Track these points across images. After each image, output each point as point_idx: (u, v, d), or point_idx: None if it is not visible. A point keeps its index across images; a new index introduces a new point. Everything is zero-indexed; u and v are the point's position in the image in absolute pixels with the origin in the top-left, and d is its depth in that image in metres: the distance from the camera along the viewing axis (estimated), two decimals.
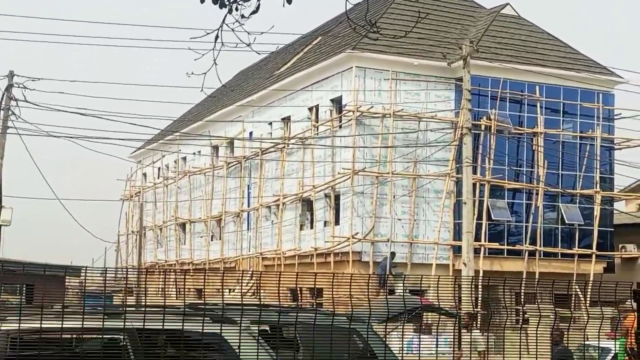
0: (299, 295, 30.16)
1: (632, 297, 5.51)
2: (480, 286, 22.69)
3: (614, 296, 6.78)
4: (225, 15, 6.30)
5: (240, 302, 8.06)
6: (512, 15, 35.41)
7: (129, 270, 44.03)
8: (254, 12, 6.26)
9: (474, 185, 29.20)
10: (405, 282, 9.12)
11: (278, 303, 8.16)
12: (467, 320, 15.75)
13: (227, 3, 6.31)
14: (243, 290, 31.36)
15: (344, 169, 31.13)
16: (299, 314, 8.36)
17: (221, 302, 9.26)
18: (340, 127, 32.58)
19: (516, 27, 34.95)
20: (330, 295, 8.48)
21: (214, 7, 6.29)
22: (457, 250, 30.48)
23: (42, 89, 25.73)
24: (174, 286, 30.49)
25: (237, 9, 6.30)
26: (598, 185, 33.38)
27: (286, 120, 36.26)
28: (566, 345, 14.87)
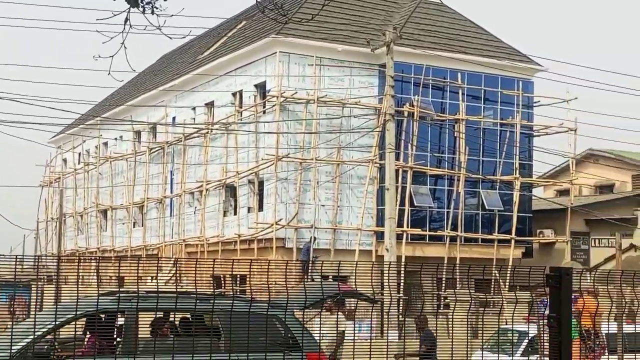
0: (223, 282, 30.11)
1: (544, 281, 5.59)
2: (402, 272, 22.89)
3: (528, 281, 6.89)
4: (131, 4, 6.14)
5: (156, 290, 7.94)
6: (435, 3, 35.76)
7: (48, 257, 43.27)
8: (152, 10, 6.12)
9: (397, 171, 29.43)
10: (324, 268, 9.10)
11: (195, 291, 8.07)
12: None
13: (140, 2, 6.16)
14: (165, 278, 31.14)
15: (267, 155, 31.04)
16: (218, 302, 8.29)
17: (143, 290, 9.12)
18: (264, 112, 32.45)
19: (439, 15, 35.30)
20: (255, 283, 8.43)
21: None
22: (380, 236, 30.71)
23: None
24: (95, 274, 30.08)
25: (148, 9, 6.15)
26: (517, 171, 34.00)
27: (209, 105, 35.96)
28: (430, 330, 15.20)
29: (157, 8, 6.17)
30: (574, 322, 11.91)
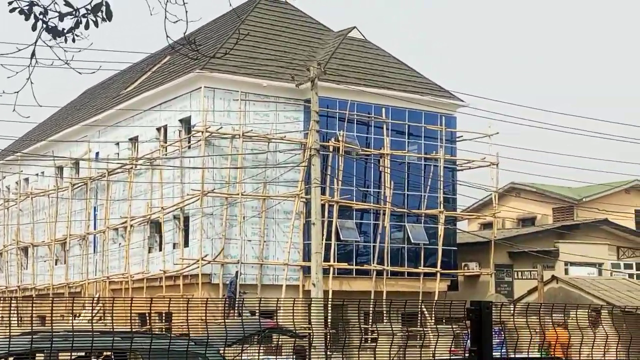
0: (148, 320, 29.57)
1: (465, 315, 5.63)
2: (329, 306, 22.88)
3: (449, 314, 6.95)
4: (40, 32, 6.06)
5: (72, 329, 7.76)
6: (359, 39, 36.16)
7: None
8: (71, 30, 6.06)
9: (323, 205, 29.51)
10: (249, 304, 9.03)
11: (112, 329, 7.90)
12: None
13: (62, 33, 6.07)
14: (88, 316, 30.47)
15: (193, 190, 30.80)
16: (138, 340, 8.13)
17: (63, 329, 8.90)
18: (189, 147, 32.26)
19: (363, 51, 35.71)
20: (179, 320, 8.30)
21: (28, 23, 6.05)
22: (307, 270, 30.66)
23: None
24: (16, 313, 29.29)
25: (70, 38, 6.07)
26: (442, 205, 34.42)
27: (134, 140, 35.59)
28: None
29: (78, 36, 6.08)
30: (544, 353, 12.03)
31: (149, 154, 33.86)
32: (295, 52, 34.52)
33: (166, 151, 33.51)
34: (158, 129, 33.95)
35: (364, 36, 36.43)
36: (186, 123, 32.53)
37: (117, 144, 36.49)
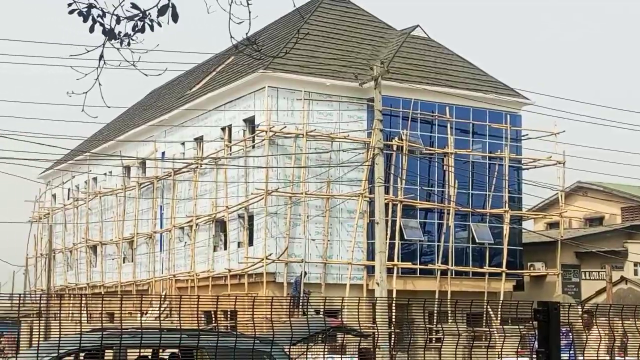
0: (213, 318, 29.92)
1: (532, 316, 5.57)
2: (394, 306, 22.82)
3: (516, 314, 6.88)
4: (106, 39, 6.14)
5: (141, 327, 7.90)
6: (422, 37, 35.97)
7: (37, 295, 42.97)
8: (138, 31, 6.12)
9: (387, 205, 29.42)
10: (314, 302, 9.06)
11: (180, 327, 8.02)
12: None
13: (117, 36, 6.15)
14: (155, 314, 30.90)
15: (257, 189, 31.01)
16: (205, 338, 8.23)
17: (131, 326, 9.06)
18: (254, 147, 32.48)
19: (426, 49, 35.51)
20: (244, 318, 8.38)
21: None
22: (370, 270, 30.63)
23: None
24: (85, 310, 29.86)
25: (125, 41, 6.15)
26: (507, 204, 34.04)
27: (199, 140, 35.98)
28: None
29: (133, 40, 6.15)
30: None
31: (214, 154, 34.20)
32: (359, 51, 34.49)
33: (231, 151, 33.80)
34: (223, 129, 34.26)
35: (427, 34, 36.25)
36: (250, 123, 32.76)
37: (183, 143, 36.94)
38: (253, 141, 32.47)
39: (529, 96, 35.08)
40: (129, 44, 6.10)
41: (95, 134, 48.29)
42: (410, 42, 35.37)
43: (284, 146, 31.47)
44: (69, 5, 6.10)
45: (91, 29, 6.09)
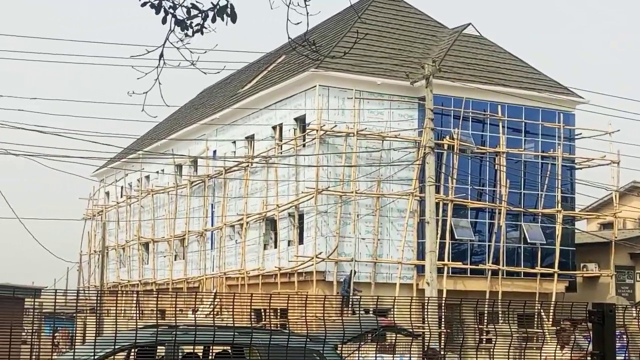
0: (263, 316, 30.08)
1: (586, 318, 5.50)
2: (444, 305, 22.72)
3: (569, 316, 6.80)
4: (169, 33, 6.29)
5: (194, 324, 7.97)
6: (474, 35, 35.72)
7: (91, 291, 43.62)
8: (197, 31, 6.26)
9: (437, 204, 29.28)
10: (363, 302, 9.05)
11: (233, 324, 8.07)
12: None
13: (190, 26, 6.29)
14: (206, 311, 31.19)
15: (307, 188, 31.08)
16: (257, 335, 8.28)
17: (183, 323, 9.15)
18: (304, 146, 32.56)
19: (478, 47, 35.26)
20: (295, 316, 8.42)
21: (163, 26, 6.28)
22: (420, 269, 30.52)
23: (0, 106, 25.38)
24: (138, 307, 30.28)
25: (186, 27, 6.29)
26: (559, 204, 33.65)
27: (250, 139, 36.18)
28: None
29: (205, 28, 6.31)
30: None
31: (265, 152, 34.36)
32: (410, 49, 34.37)
33: (281, 149, 33.93)
34: (273, 128, 34.41)
35: (479, 32, 35.98)
36: (301, 121, 32.85)
37: (234, 142, 37.19)
38: (304, 140, 32.55)
39: (583, 95, 34.66)
40: (202, 32, 6.27)
41: (148, 132, 48.85)
42: (462, 40, 35.15)
43: (335, 145, 31.50)
44: None
45: (163, 20, 6.28)
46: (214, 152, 38.83)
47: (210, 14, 6.13)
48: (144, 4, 6.28)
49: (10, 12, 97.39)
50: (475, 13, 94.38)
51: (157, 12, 6.25)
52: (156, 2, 6.28)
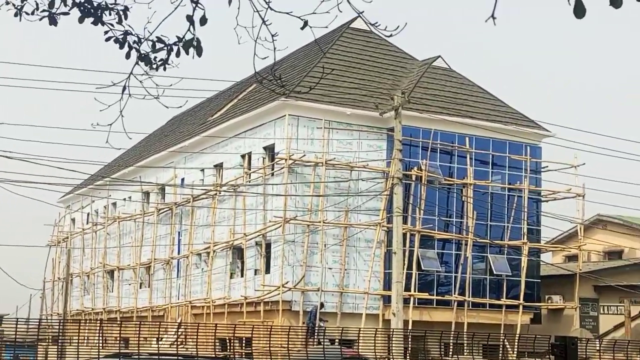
0: (228, 345, 29.82)
1: (549, 350, 5.55)
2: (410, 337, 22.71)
3: (533, 348, 6.85)
4: (133, 67, 6.31)
5: (158, 353, 7.90)
6: (443, 68, 36.06)
7: (53, 319, 43.02)
8: (161, 66, 6.29)
9: (405, 235, 29.35)
10: (329, 332, 9.05)
11: (197, 354, 8.02)
12: None
13: (153, 61, 6.33)
14: (170, 340, 30.88)
15: (275, 217, 31.03)
16: None
17: (147, 352, 9.09)
18: (273, 175, 32.54)
19: (447, 79, 35.58)
20: (259, 346, 8.38)
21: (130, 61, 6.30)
22: (387, 300, 30.51)
23: None
24: (101, 335, 29.90)
25: (150, 62, 6.32)
26: (525, 236, 33.88)
27: (218, 167, 36.11)
28: None
29: (169, 64, 6.33)
30: None
31: (233, 181, 34.29)
32: (379, 80, 34.60)
33: (250, 178, 33.88)
34: (242, 156, 34.38)
35: (448, 65, 36.32)
36: (270, 150, 32.86)
37: (202, 170, 37.08)
38: (272, 169, 32.54)
39: (550, 128, 35.05)
40: (164, 68, 6.29)
41: (116, 159, 48.58)
42: (432, 72, 35.46)
43: (303, 174, 31.53)
44: (105, 33, 6.31)
45: (127, 55, 6.30)
46: (182, 179, 38.68)
47: (175, 47, 6.16)
48: (107, 39, 6.32)
49: None
50: (444, 46, 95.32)
51: (121, 47, 6.29)
52: (120, 37, 6.31)
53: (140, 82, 6.32)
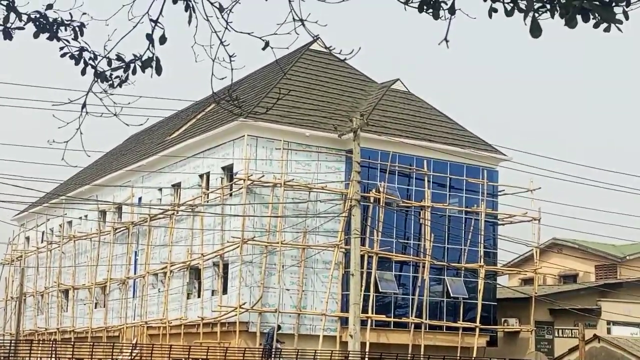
0: None
1: None
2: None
3: None
4: (92, 84, 6.26)
5: None
6: (402, 91, 36.31)
7: (5, 339, 42.34)
8: (119, 84, 6.24)
9: (362, 256, 29.39)
10: (285, 353, 9.00)
11: None
12: None
13: (109, 79, 6.28)
14: None
15: (233, 237, 30.90)
16: None
17: None
18: (231, 195, 32.44)
19: (406, 102, 35.82)
20: None
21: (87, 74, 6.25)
22: (344, 321, 30.47)
23: None
24: (53, 356, 29.45)
25: (106, 79, 6.28)
26: (482, 259, 34.10)
27: (176, 186, 35.90)
28: None
29: (126, 82, 6.28)
30: None
31: (191, 201, 34.11)
32: (338, 102, 34.72)
33: (208, 198, 33.73)
34: (200, 176, 34.23)
35: (407, 88, 36.58)
36: (228, 171, 32.76)
37: (160, 189, 36.84)
38: (231, 189, 32.44)
39: (506, 152, 35.42)
40: (120, 85, 6.24)
41: (72, 177, 48.08)
42: (390, 95, 35.67)
43: (262, 195, 31.46)
44: (61, 49, 6.25)
45: (83, 72, 6.25)
46: (140, 199, 38.38)
47: (132, 65, 6.11)
48: (63, 55, 6.27)
49: None
50: (403, 69, 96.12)
51: (77, 64, 6.24)
52: (76, 53, 6.26)
53: (100, 99, 6.26)
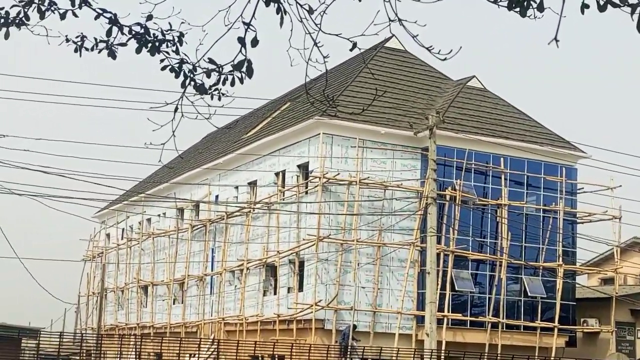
0: None
1: None
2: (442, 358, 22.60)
3: None
4: (185, 88, 6.33)
5: None
6: (478, 88, 35.96)
7: (88, 333, 43.34)
8: (214, 85, 6.31)
9: (438, 255, 29.21)
10: (359, 352, 9.02)
11: None
12: None
13: (209, 91, 6.36)
14: (203, 357, 30.95)
15: (308, 235, 31.05)
16: None
17: None
18: (307, 193, 32.60)
19: (482, 99, 35.48)
20: None
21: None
22: (420, 320, 30.36)
23: (5, 145, 25.47)
24: (134, 350, 30.06)
25: (205, 92, 6.34)
26: (561, 258, 33.57)
27: (252, 184, 36.24)
28: None
29: (224, 94, 6.34)
30: None
31: (267, 198, 34.38)
32: (414, 100, 34.58)
33: (284, 196, 33.96)
34: (276, 174, 34.49)
35: (483, 85, 36.22)
36: (304, 169, 32.93)
37: (237, 187, 37.23)
38: (306, 187, 32.59)
39: (586, 149, 34.77)
40: (219, 98, 6.31)
41: (151, 175, 48.95)
42: (466, 92, 35.38)
43: (337, 193, 31.54)
44: (161, 61, 6.30)
45: (182, 84, 6.30)
46: (216, 196, 38.86)
47: (230, 77, 6.15)
48: (163, 68, 6.29)
49: (25, 54, 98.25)
50: (479, 66, 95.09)
51: (177, 77, 6.27)
52: (176, 66, 6.29)
53: (192, 102, 6.34)
